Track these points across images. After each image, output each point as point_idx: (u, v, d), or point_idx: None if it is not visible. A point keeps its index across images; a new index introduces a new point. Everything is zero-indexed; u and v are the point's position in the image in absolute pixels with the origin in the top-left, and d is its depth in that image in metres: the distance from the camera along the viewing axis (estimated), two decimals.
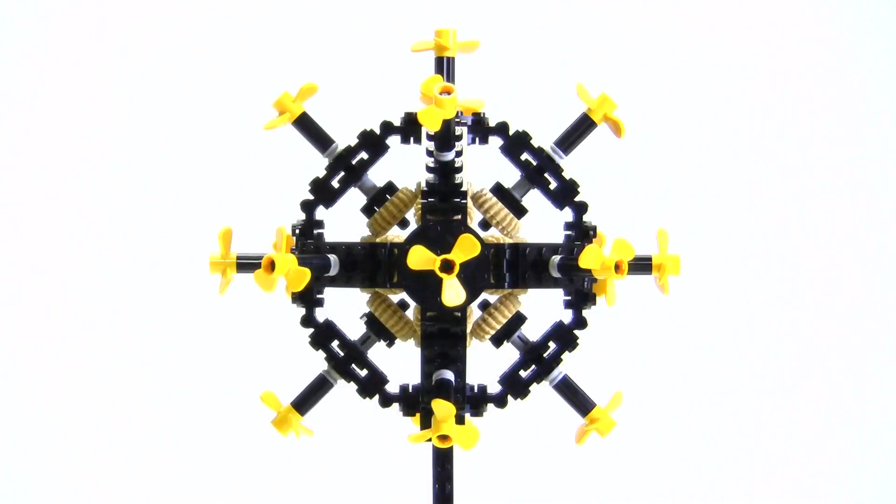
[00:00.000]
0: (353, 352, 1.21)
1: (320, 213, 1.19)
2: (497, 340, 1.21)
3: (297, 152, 1.23)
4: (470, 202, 1.17)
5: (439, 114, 1.04)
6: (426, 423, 1.16)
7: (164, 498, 1.70)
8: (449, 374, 1.17)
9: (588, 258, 1.05)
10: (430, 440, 1.11)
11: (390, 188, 1.20)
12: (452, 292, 1.06)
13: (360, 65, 1.73)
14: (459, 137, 1.13)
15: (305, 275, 1.04)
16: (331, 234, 1.20)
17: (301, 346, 1.21)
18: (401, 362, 1.24)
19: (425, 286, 1.11)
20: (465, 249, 1.06)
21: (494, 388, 1.21)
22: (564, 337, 1.20)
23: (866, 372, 1.77)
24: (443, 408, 1.09)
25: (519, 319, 1.21)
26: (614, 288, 1.08)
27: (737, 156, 1.76)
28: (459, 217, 1.14)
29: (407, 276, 1.13)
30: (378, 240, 1.20)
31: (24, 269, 1.75)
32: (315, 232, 1.19)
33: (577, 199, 1.18)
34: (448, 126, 1.08)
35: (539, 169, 1.18)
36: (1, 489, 1.71)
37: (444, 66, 1.17)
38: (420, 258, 1.07)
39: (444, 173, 1.15)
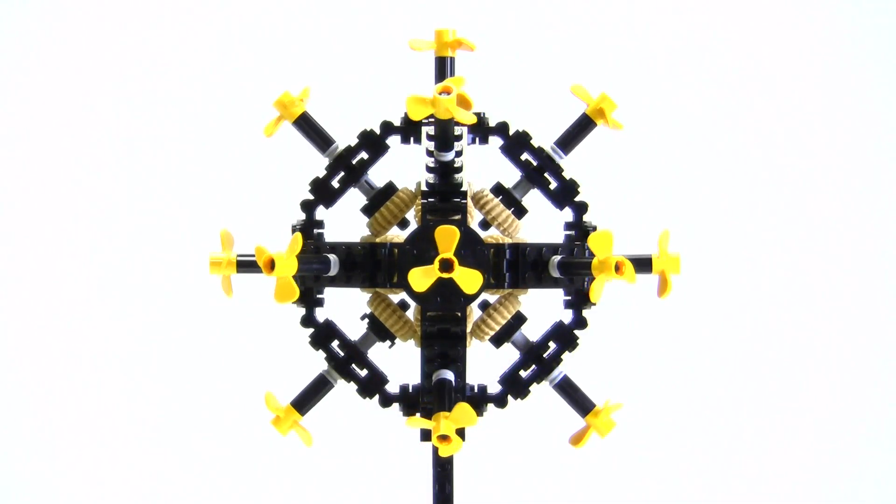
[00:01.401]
0: (353, 352, 1.21)
1: (320, 213, 1.19)
2: (497, 340, 1.21)
3: (297, 152, 1.23)
4: (470, 202, 1.17)
5: (458, 111, 1.04)
6: (426, 435, 1.17)
7: (163, 498, 1.70)
8: (449, 374, 1.17)
9: (596, 291, 1.05)
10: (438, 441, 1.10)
11: (390, 188, 1.20)
12: (420, 279, 1.06)
13: (361, 65, 1.73)
14: (459, 137, 1.13)
15: (297, 239, 1.05)
16: (331, 234, 1.20)
17: (301, 346, 1.21)
18: (401, 362, 1.24)
19: None
20: (466, 281, 1.06)
21: (494, 388, 1.21)
22: (564, 337, 1.20)
23: (866, 372, 1.77)
24: (415, 423, 1.09)
25: (519, 319, 1.21)
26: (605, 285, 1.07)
27: (737, 155, 1.76)
28: (459, 217, 1.14)
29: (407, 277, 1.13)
30: (378, 240, 1.20)
31: (25, 272, 1.75)
32: (315, 232, 1.19)
33: (577, 199, 1.18)
34: (448, 126, 1.08)
35: (539, 169, 1.18)
36: (1, 489, 1.71)
37: (444, 66, 1.17)
38: (421, 278, 1.06)
39: (444, 173, 1.15)
